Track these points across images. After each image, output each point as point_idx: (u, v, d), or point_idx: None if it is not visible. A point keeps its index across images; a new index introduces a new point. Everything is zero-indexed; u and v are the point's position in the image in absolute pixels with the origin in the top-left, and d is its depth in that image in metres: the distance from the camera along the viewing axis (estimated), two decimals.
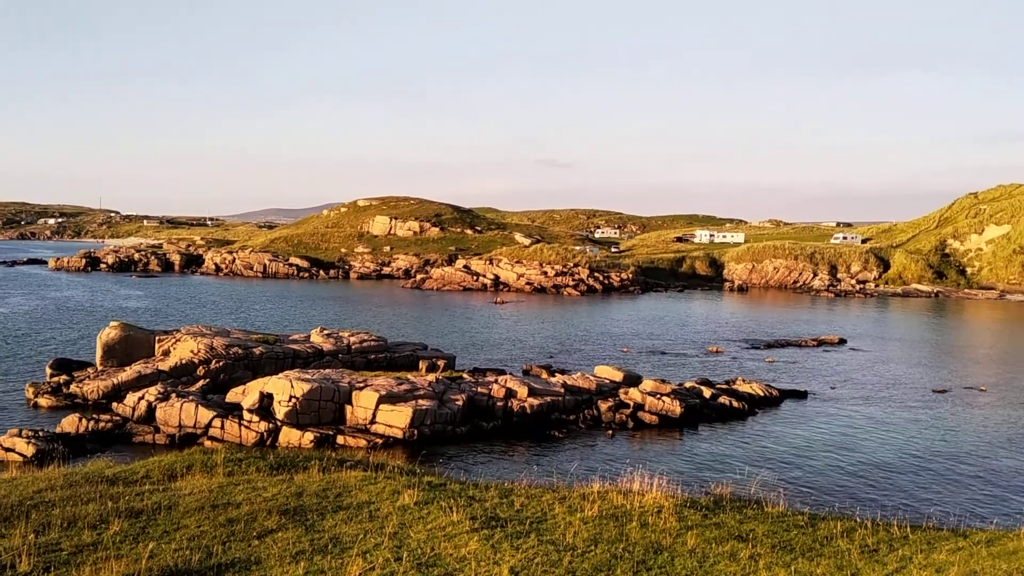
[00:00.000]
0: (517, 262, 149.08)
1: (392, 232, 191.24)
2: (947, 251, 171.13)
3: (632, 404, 47.29)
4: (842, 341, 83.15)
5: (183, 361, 49.04)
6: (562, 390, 47.78)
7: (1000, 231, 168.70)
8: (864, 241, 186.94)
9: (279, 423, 40.15)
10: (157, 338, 54.22)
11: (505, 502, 15.97)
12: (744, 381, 55.02)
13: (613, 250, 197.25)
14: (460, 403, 43.17)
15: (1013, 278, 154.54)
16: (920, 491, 34.73)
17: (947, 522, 17.61)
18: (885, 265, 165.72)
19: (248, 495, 15.96)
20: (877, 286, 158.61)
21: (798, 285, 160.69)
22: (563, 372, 56.41)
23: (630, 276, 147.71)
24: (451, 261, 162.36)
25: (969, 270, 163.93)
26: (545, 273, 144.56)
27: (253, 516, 14.59)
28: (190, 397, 42.45)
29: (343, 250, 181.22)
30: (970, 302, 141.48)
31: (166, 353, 52.11)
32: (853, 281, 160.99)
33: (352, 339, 56.71)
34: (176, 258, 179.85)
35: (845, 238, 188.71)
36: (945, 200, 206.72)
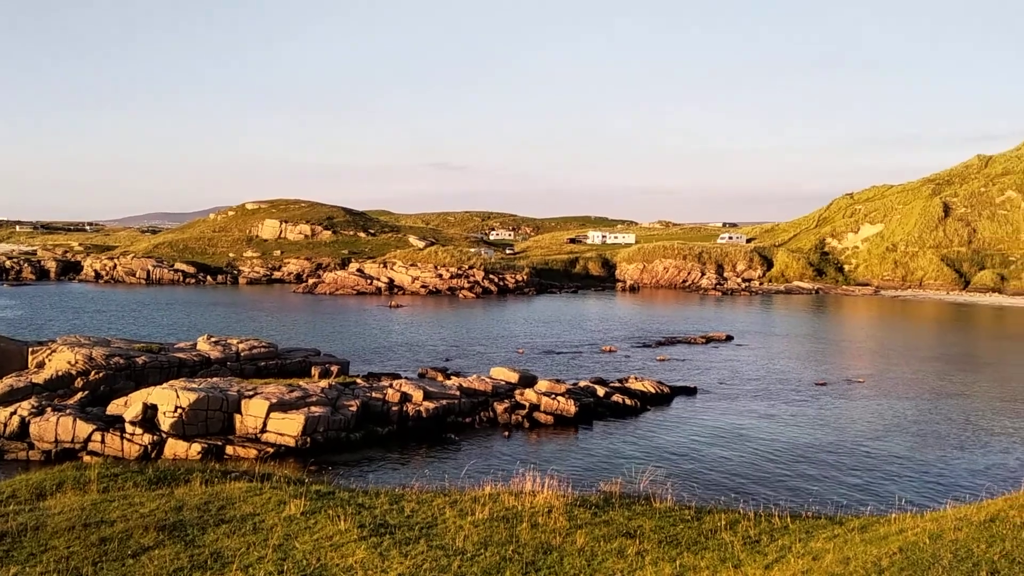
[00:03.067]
0: (412, 265, 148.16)
1: (283, 236, 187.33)
2: (826, 249, 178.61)
3: (528, 405, 47.54)
4: (729, 338, 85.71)
5: (59, 373, 46.70)
6: (458, 393, 47.66)
7: (874, 230, 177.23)
8: (749, 241, 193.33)
9: (164, 435, 38.68)
10: (31, 349, 51.52)
11: (395, 508, 15.74)
12: (637, 379, 56.02)
13: (508, 252, 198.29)
14: (354, 409, 42.53)
15: (886, 274, 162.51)
16: (801, 481, 36.01)
17: (825, 510, 18.25)
18: (769, 263, 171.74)
19: (124, 512, 15.24)
20: (761, 284, 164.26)
21: (687, 284, 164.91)
22: (459, 375, 56.28)
23: (525, 278, 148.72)
24: (344, 265, 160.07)
25: (847, 267, 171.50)
26: (440, 276, 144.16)
27: (128, 534, 13.94)
28: (67, 411, 40.45)
29: (231, 255, 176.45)
30: (848, 298, 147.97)
31: (40, 365, 49.53)
32: (739, 279, 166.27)
33: (241, 346, 55.19)
34: (52, 265, 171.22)
35: (731, 238, 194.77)
36: (824, 201, 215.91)
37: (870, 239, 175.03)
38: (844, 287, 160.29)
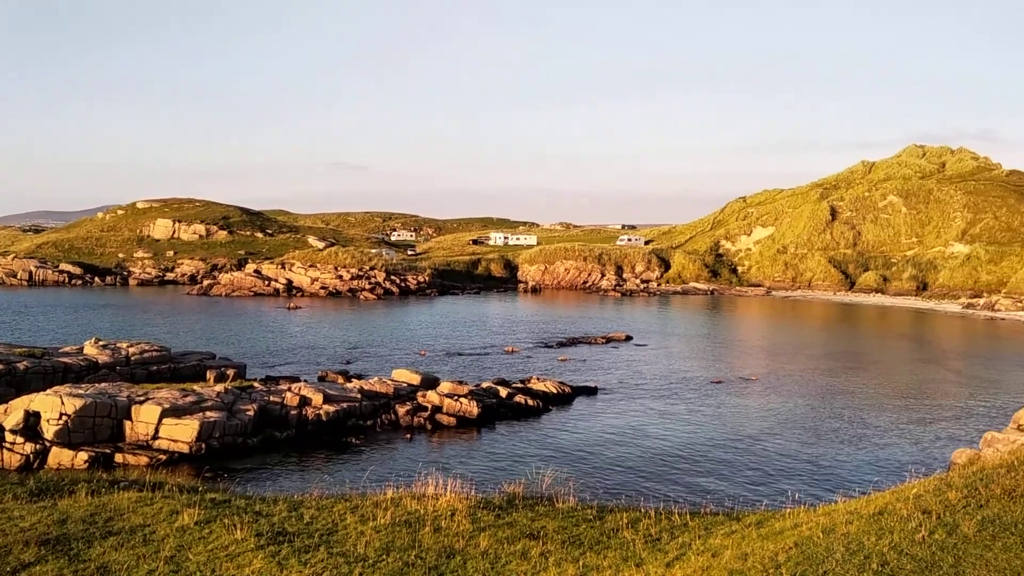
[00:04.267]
0: (311, 266, 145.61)
1: (176, 236, 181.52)
2: (720, 251, 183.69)
3: (430, 407, 47.24)
4: (629, 338, 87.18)
5: None
6: (359, 395, 47.00)
7: (765, 232, 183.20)
8: (647, 243, 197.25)
9: (48, 444, 36.86)
10: None
11: (294, 515, 15.33)
12: (539, 379, 56.37)
13: (410, 253, 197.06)
14: (251, 413, 41.44)
15: (777, 276, 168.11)
16: (700, 478, 36.83)
17: (723, 507, 18.65)
18: (666, 265, 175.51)
19: (1, 526, 14.38)
20: (659, 285, 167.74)
21: (588, 285, 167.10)
22: (360, 377, 55.50)
23: (427, 279, 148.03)
24: (241, 266, 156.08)
25: (740, 269, 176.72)
26: (340, 277, 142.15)
27: (7, 549, 13.15)
28: None
29: (121, 255, 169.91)
30: (741, 298, 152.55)
31: None
32: (638, 280, 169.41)
33: (131, 350, 53.14)
34: None
35: (630, 240, 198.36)
36: (719, 204, 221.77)
37: (762, 241, 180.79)
38: (738, 288, 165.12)
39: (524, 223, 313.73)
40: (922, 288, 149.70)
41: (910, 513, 11.78)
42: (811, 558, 10.54)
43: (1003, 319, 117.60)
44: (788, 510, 15.10)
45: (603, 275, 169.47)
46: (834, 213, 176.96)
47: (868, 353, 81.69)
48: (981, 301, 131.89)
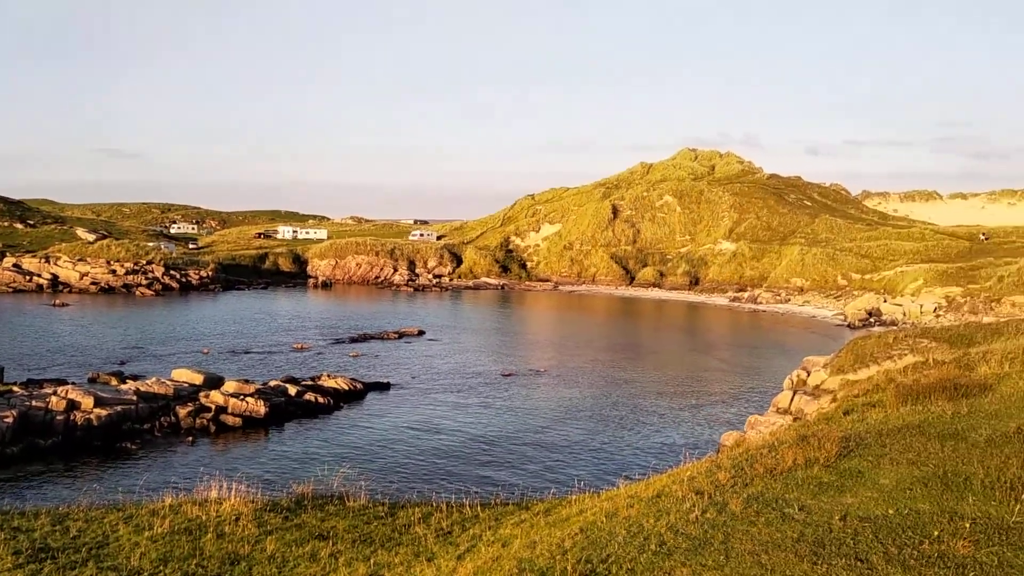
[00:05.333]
0: (80, 260, 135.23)
1: None
2: (511, 247, 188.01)
3: (214, 407, 45.17)
4: (421, 333, 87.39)
5: None
6: (135, 398, 44.17)
7: (553, 229, 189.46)
8: (439, 238, 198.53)
9: None
10: None
11: (59, 529, 14.11)
12: (329, 376, 55.34)
13: (191, 247, 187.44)
14: (10, 420, 37.94)
15: (564, 271, 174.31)
16: (491, 469, 37.51)
17: (513, 497, 19.04)
18: (458, 260, 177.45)
19: None
20: (451, 280, 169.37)
21: (380, 280, 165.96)
22: (136, 378, 52.18)
23: (210, 274, 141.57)
24: None
25: (529, 264, 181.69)
26: (114, 272, 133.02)
27: None
28: None
29: None
30: (530, 293, 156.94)
31: None
32: (430, 276, 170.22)
33: None
34: None
35: (422, 235, 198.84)
36: (508, 201, 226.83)
37: (550, 238, 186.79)
38: (527, 283, 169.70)
39: (314, 217, 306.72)
40: (695, 283, 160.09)
41: (685, 494, 12.50)
42: (595, 542, 10.94)
43: (764, 311, 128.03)
44: (574, 497, 15.62)
45: (396, 270, 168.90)
46: (616, 211, 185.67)
47: (647, 344, 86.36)
48: (745, 295, 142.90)
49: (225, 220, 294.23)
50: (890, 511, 11.02)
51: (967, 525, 10.31)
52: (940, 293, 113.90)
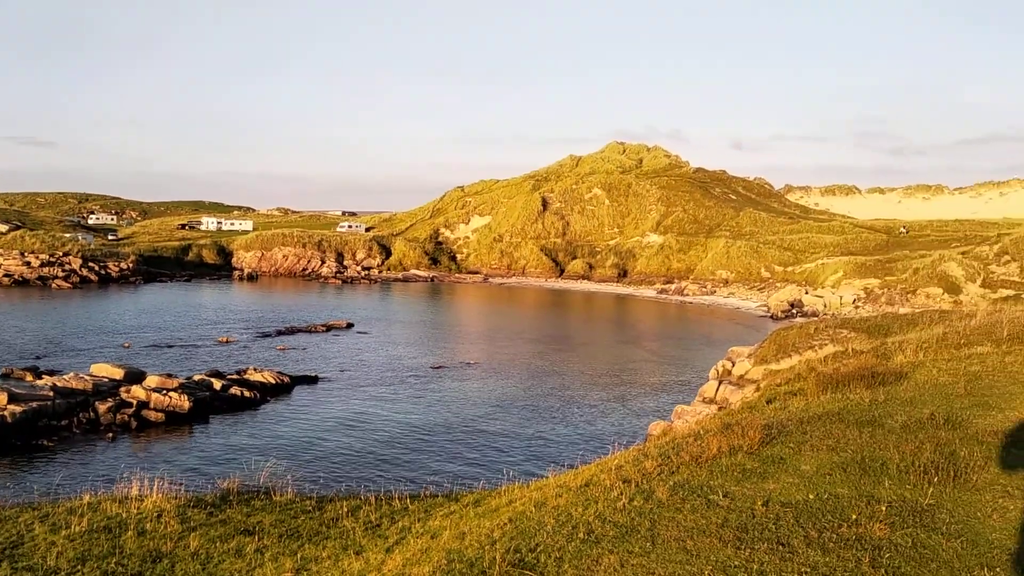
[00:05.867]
0: None
1: None
2: (440, 239, 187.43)
3: (135, 402, 44.02)
4: (350, 325, 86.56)
5: None
6: (51, 393, 42.73)
7: (483, 221, 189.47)
8: (368, 230, 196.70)
9: None
10: None
11: None
12: (256, 370, 54.44)
13: (111, 238, 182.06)
14: None
15: (494, 263, 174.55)
16: (421, 461, 37.39)
17: (442, 489, 19.01)
18: (387, 252, 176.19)
19: None
20: (381, 272, 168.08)
21: (307, 272, 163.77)
22: (53, 373, 50.55)
23: (131, 266, 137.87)
24: None
25: (459, 256, 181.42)
26: (28, 264, 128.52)
27: None
28: None
29: None
30: (460, 285, 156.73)
31: None
32: (359, 268, 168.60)
33: None
34: None
35: (351, 227, 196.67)
36: (438, 193, 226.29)
37: (479, 230, 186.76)
38: (457, 275, 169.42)
39: (239, 208, 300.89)
40: (623, 275, 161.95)
41: (612, 483, 12.63)
42: (524, 532, 10.99)
43: (691, 302, 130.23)
44: (504, 487, 15.66)
45: (323, 262, 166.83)
46: (545, 204, 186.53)
47: (576, 336, 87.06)
48: (672, 287, 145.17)
49: (146, 211, 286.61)
50: (810, 496, 11.32)
51: (883, 508, 10.66)
52: (859, 285, 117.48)
